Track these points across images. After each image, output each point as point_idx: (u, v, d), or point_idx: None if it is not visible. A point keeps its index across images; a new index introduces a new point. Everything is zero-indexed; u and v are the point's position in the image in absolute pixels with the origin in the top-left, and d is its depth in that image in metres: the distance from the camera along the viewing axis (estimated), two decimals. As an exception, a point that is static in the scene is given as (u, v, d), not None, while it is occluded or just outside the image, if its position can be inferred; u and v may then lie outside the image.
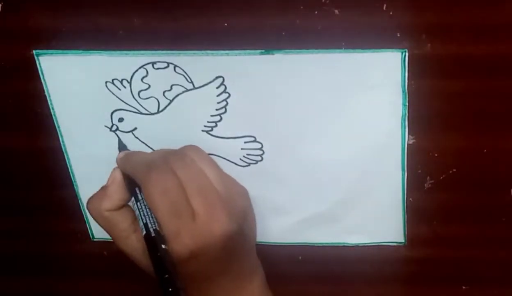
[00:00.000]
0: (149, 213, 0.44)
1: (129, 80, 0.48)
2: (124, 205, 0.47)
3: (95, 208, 0.47)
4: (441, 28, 0.43)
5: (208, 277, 0.45)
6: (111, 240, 0.58)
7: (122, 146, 0.51)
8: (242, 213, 0.47)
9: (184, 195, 0.43)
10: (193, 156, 0.46)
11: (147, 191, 0.43)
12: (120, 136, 0.51)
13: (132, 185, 0.47)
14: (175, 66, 0.47)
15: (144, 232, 0.44)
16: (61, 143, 0.53)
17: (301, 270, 0.57)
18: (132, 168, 0.46)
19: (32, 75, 0.49)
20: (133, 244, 0.47)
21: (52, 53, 0.48)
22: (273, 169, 0.52)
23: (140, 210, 0.45)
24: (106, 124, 0.51)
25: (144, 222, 0.44)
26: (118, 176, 0.48)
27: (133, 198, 0.46)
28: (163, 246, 0.42)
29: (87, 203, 0.48)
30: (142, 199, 0.45)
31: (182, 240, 0.42)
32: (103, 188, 0.48)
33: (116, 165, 0.49)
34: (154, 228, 0.43)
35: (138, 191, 0.46)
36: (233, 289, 0.47)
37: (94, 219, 0.48)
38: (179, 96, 0.48)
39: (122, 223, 0.47)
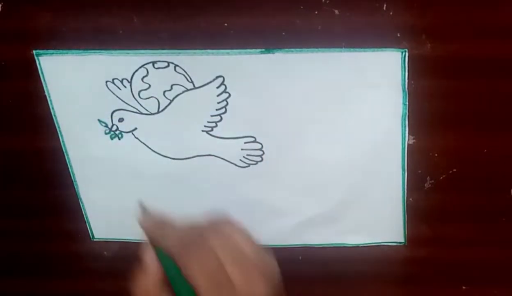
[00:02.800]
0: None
1: (129, 79, 0.48)
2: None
3: (141, 284, 0.46)
4: (441, 28, 0.44)
5: None
6: (111, 240, 0.59)
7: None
8: (276, 277, 0.47)
9: (223, 269, 0.43)
10: (227, 229, 0.46)
11: (189, 271, 0.43)
12: (120, 136, 0.51)
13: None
14: (175, 65, 0.47)
15: None
16: (61, 143, 0.53)
17: (301, 270, 0.57)
18: (166, 242, 0.45)
19: (32, 75, 0.49)
20: None
21: (52, 53, 0.48)
22: (273, 170, 0.51)
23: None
24: (106, 124, 0.51)
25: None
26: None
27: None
28: None
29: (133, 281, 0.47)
30: None
31: None
32: (144, 265, 0.47)
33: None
34: None
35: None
36: None
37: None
38: (179, 96, 0.48)
39: None
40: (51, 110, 0.51)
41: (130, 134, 0.51)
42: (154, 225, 0.47)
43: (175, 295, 0.44)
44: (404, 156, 0.49)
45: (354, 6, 0.43)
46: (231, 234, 0.46)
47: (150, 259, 0.46)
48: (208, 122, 0.50)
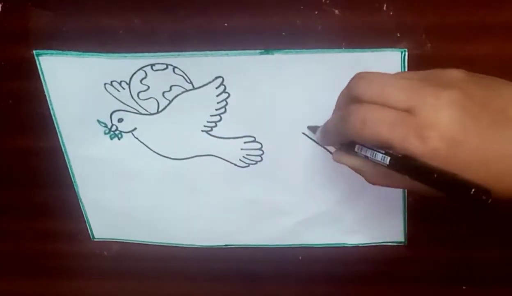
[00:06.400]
0: (374, 147, 0.40)
1: (128, 82, 0.48)
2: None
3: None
4: (441, 28, 0.43)
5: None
6: (111, 240, 0.59)
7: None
8: None
9: (388, 107, 0.38)
10: (367, 75, 0.40)
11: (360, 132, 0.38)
12: (120, 137, 0.51)
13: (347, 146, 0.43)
14: (174, 67, 0.47)
15: (389, 159, 0.39)
16: (61, 143, 0.53)
17: (301, 270, 0.57)
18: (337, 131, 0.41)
19: (32, 75, 0.49)
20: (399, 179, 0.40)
21: (52, 53, 0.48)
22: (273, 169, 0.51)
23: (368, 151, 0.40)
24: (105, 125, 0.51)
25: (383, 152, 0.39)
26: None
27: (356, 147, 0.41)
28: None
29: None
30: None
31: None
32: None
33: None
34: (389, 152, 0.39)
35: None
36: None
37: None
38: (179, 97, 0.48)
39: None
40: (51, 110, 0.51)
41: (130, 134, 0.51)
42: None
43: None
44: (404, 156, 0.49)
45: (354, 6, 0.43)
46: (371, 76, 0.40)
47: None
48: (208, 122, 0.50)
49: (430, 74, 0.39)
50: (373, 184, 0.42)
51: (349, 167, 0.43)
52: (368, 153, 0.41)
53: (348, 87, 0.40)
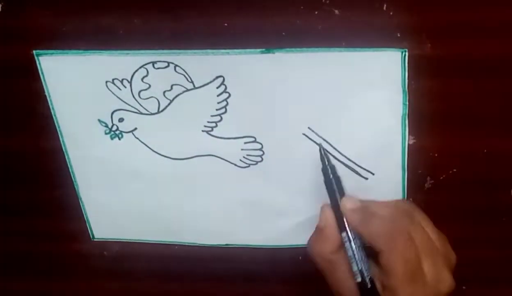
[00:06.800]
0: (363, 258, 0.45)
1: (129, 80, 0.48)
2: (341, 247, 0.47)
3: (320, 252, 0.47)
4: (441, 28, 0.44)
5: None
6: (111, 240, 0.59)
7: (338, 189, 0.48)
8: (454, 265, 0.48)
9: (419, 259, 0.44)
10: (418, 217, 0.47)
11: (391, 259, 0.44)
12: (120, 136, 0.51)
13: (343, 226, 0.46)
14: (175, 66, 0.47)
15: (359, 279, 0.45)
16: (61, 143, 0.53)
17: (301, 270, 0.57)
18: (369, 235, 0.45)
19: (32, 75, 0.49)
20: (351, 286, 0.46)
21: (52, 53, 0.48)
22: (273, 170, 0.51)
23: (354, 253, 0.45)
24: (106, 124, 0.51)
25: (359, 268, 0.45)
26: (331, 217, 0.47)
27: (344, 234, 0.46)
28: None
29: (309, 247, 0.48)
30: (353, 240, 0.45)
31: None
32: (319, 230, 0.47)
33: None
34: (369, 277, 0.44)
35: (349, 231, 0.46)
36: None
37: (317, 262, 0.47)
38: (179, 96, 0.48)
39: (343, 265, 0.46)
40: (51, 110, 0.51)
41: (130, 134, 0.51)
42: (360, 213, 0.47)
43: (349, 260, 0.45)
44: (404, 156, 0.49)
45: (354, 6, 0.43)
46: (421, 222, 0.46)
47: (329, 223, 0.46)
48: (208, 122, 0.50)
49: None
50: (331, 288, 0.48)
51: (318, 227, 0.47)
52: (350, 253, 0.45)
53: (413, 213, 0.47)
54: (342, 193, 0.47)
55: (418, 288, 0.43)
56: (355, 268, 0.45)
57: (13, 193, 0.57)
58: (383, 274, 0.44)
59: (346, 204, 0.47)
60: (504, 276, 0.56)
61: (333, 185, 0.47)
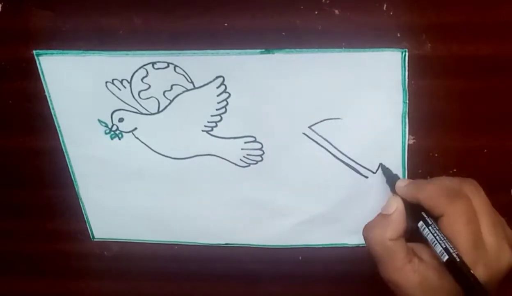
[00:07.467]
0: (444, 239, 0.43)
1: (129, 80, 0.48)
2: (404, 235, 0.46)
3: (378, 236, 0.45)
4: (441, 28, 0.44)
5: None
6: (111, 240, 0.59)
7: (391, 175, 0.49)
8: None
9: (479, 226, 0.43)
10: (478, 187, 0.46)
11: (452, 220, 0.43)
12: (120, 136, 0.51)
13: (415, 212, 0.46)
14: (175, 66, 0.47)
15: (447, 258, 0.43)
16: (61, 143, 0.53)
17: (301, 270, 0.57)
18: (429, 197, 0.45)
19: (32, 75, 0.49)
20: (408, 276, 0.45)
21: (52, 53, 0.48)
22: (273, 169, 0.51)
23: (435, 235, 0.44)
24: (106, 124, 0.51)
25: (444, 246, 0.43)
26: (401, 204, 0.46)
27: (420, 223, 0.45)
28: (471, 272, 0.42)
29: (366, 231, 0.46)
30: (432, 224, 0.44)
31: (477, 270, 0.42)
32: (384, 216, 0.46)
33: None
34: (456, 253, 0.43)
35: (426, 216, 0.45)
36: None
37: (372, 247, 0.46)
38: (179, 96, 0.49)
39: (400, 253, 0.45)
40: (51, 110, 0.51)
41: (130, 134, 0.51)
42: (416, 183, 0.46)
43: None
44: (404, 156, 0.49)
45: (354, 6, 0.43)
46: (480, 192, 0.45)
47: (399, 209, 0.46)
48: (208, 122, 0.50)
49: None
50: (384, 276, 0.46)
51: (393, 216, 0.46)
52: (431, 236, 0.44)
53: (472, 182, 0.46)
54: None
55: (480, 255, 0.42)
56: (439, 249, 0.43)
57: (13, 193, 0.57)
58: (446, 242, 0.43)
59: (400, 183, 0.47)
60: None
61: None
